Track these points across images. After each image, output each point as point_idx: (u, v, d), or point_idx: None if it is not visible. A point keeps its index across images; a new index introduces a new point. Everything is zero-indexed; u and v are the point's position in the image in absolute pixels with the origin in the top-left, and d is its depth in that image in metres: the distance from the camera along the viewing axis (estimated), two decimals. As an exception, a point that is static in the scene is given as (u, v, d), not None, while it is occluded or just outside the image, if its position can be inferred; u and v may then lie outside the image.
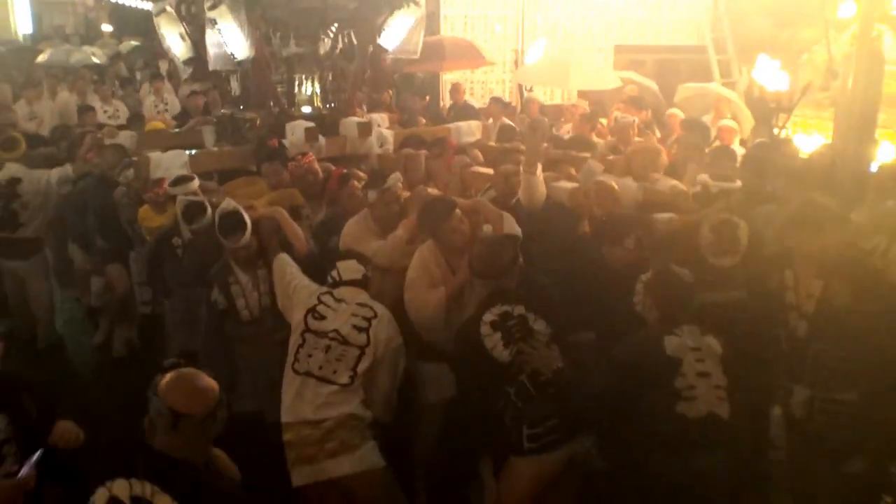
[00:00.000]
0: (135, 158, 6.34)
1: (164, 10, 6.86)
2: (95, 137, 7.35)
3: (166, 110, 11.60)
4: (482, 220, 4.50)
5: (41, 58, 17.58)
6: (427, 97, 11.75)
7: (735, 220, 4.74)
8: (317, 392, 3.81)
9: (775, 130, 10.23)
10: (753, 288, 4.51)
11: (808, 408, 3.74)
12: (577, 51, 12.52)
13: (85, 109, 10.43)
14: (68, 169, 6.73)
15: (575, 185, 5.17)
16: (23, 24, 24.68)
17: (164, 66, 16.13)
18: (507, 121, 9.60)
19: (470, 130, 7.45)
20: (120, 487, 2.25)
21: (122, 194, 6.23)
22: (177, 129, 8.50)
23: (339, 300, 4.00)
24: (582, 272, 4.51)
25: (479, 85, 12.82)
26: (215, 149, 6.88)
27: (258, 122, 6.78)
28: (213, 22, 6.29)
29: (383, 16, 6.87)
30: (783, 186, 5.29)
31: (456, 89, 11.43)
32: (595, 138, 8.01)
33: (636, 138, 7.72)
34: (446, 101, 11.87)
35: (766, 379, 4.62)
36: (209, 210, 4.87)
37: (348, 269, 4.12)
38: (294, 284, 4.19)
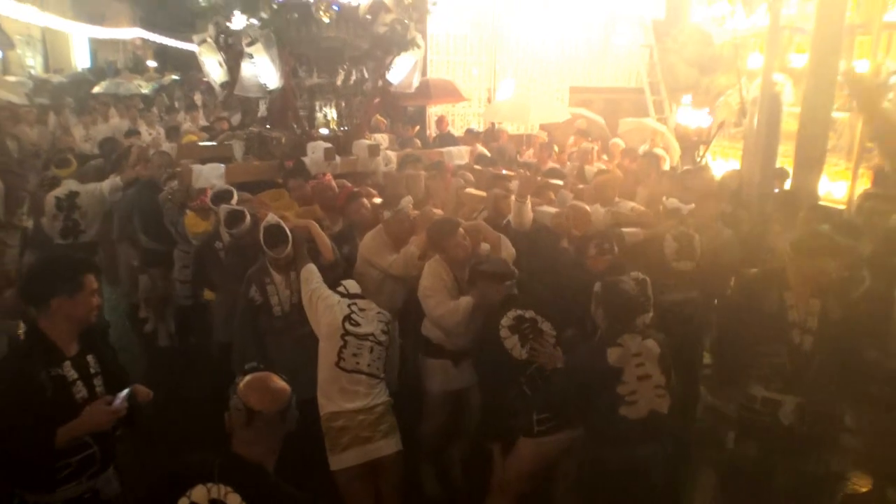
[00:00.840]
0: (178, 169, 6.12)
1: (205, 41, 6.60)
2: (141, 150, 7.12)
3: (200, 135, 11.30)
4: (482, 239, 4.31)
5: (97, 88, 17.22)
6: (416, 127, 11.57)
7: (691, 232, 4.62)
8: (370, 384, 3.62)
9: (697, 158, 10.24)
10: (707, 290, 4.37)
11: (797, 415, 3.49)
12: (535, 92, 12.47)
13: (131, 133, 10.10)
14: (118, 179, 6.46)
15: (556, 209, 5.00)
16: (81, 60, 24.32)
17: (198, 98, 15.84)
18: (481, 148, 9.48)
19: (460, 155, 7.31)
20: (199, 494, 2.05)
21: (166, 198, 5.99)
22: (209, 142, 8.17)
23: (362, 309, 3.81)
24: (565, 280, 4.27)
25: (459, 117, 12.66)
26: (245, 162, 6.61)
27: (283, 140, 6.52)
28: (250, 56, 6.10)
29: (392, 55, 6.64)
30: (702, 206, 5.10)
31: (441, 121, 11.23)
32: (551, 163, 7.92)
33: (597, 163, 7.63)
34: (432, 131, 11.68)
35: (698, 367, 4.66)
36: (248, 217, 4.65)
37: (352, 285, 3.95)
38: (318, 294, 3.90)
